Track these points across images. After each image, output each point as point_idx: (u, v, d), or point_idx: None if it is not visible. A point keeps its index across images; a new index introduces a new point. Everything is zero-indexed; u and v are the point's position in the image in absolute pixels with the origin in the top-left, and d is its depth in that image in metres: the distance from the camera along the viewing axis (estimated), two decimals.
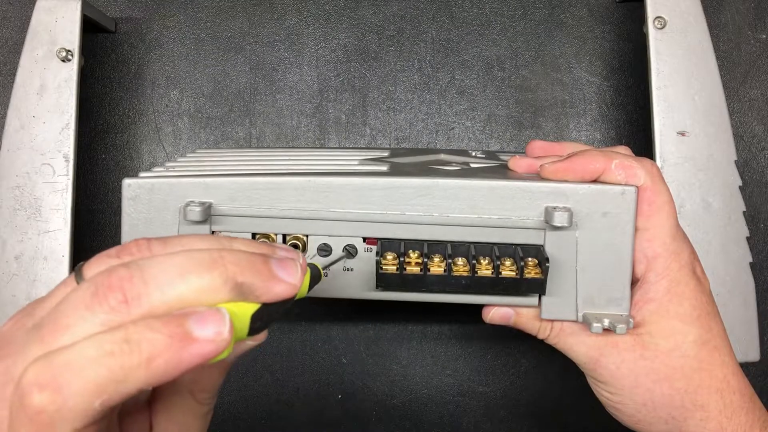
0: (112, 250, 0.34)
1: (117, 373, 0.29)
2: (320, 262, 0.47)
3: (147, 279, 0.31)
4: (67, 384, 0.29)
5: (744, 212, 0.66)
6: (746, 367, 0.71)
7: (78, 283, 0.33)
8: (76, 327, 0.30)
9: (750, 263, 0.67)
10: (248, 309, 0.34)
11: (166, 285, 0.31)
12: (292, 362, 0.74)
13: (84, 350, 0.29)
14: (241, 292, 0.33)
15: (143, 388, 0.30)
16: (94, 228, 0.75)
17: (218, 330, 0.31)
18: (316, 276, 0.41)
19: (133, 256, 0.34)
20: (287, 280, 0.34)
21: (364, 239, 0.48)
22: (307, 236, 0.48)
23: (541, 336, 0.50)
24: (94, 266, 0.34)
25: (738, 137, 0.74)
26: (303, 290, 0.39)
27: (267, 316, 0.35)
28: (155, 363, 0.30)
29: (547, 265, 0.45)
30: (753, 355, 0.67)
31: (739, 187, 0.66)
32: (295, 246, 0.48)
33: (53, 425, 0.29)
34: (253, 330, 0.34)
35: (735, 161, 0.66)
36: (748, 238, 0.66)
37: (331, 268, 0.49)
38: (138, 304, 0.31)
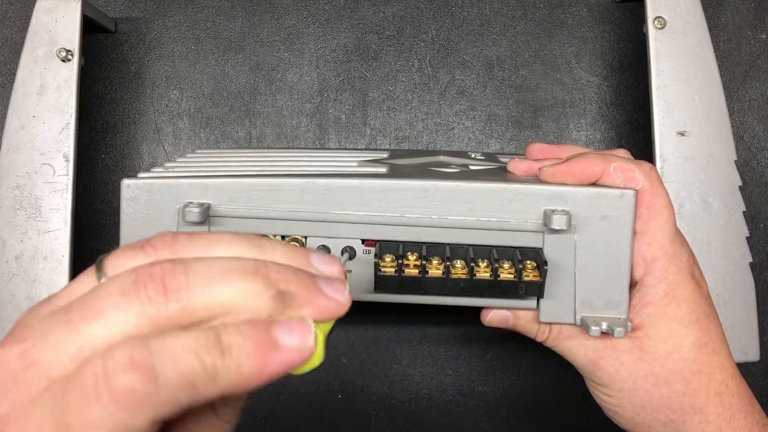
0: (137, 244, 0.34)
1: (210, 371, 0.29)
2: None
3: (189, 274, 0.31)
4: (162, 370, 0.28)
5: (744, 212, 0.66)
6: (746, 367, 0.72)
7: (98, 277, 0.32)
8: (108, 313, 0.29)
9: (750, 263, 0.66)
10: (325, 327, 0.34)
11: (208, 283, 0.31)
12: None
13: (181, 340, 0.29)
14: (283, 301, 0.32)
15: (227, 393, 0.30)
16: (94, 228, 0.75)
17: (303, 339, 0.31)
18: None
19: (157, 250, 0.33)
20: (334, 297, 0.33)
21: (363, 241, 0.48)
22: (305, 238, 0.48)
23: (539, 339, 0.50)
24: (116, 260, 0.33)
25: (738, 137, 0.74)
26: None
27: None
28: (243, 368, 0.30)
29: (545, 268, 0.45)
30: (753, 355, 0.67)
31: (739, 187, 0.66)
32: None
33: (137, 409, 0.28)
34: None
35: (735, 161, 0.66)
36: (748, 238, 0.66)
37: None
38: (177, 297, 0.30)
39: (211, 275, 0.31)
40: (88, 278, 0.33)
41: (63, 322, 0.30)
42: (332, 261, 0.36)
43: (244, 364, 0.30)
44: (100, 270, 0.33)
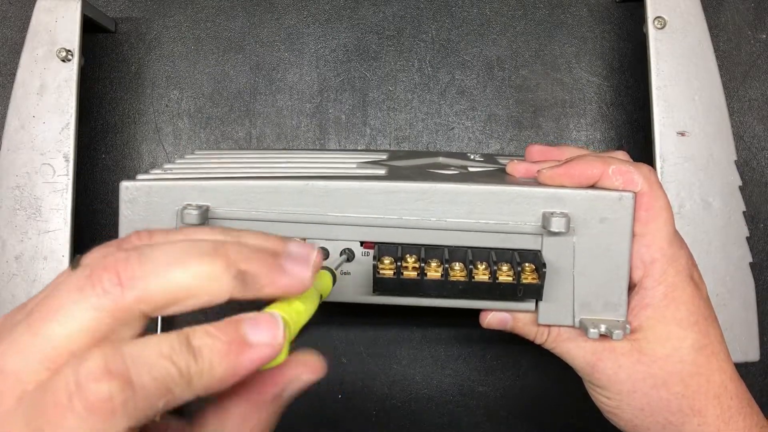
0: (113, 242, 0.34)
1: (185, 375, 0.29)
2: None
3: (144, 262, 0.30)
4: (138, 377, 0.28)
5: (744, 212, 0.66)
6: (746, 367, 0.72)
7: None
8: (65, 309, 0.29)
9: (750, 263, 0.66)
10: (300, 314, 0.35)
11: (163, 269, 0.30)
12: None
13: (154, 346, 0.29)
14: (244, 281, 0.32)
15: (202, 395, 0.30)
16: (94, 228, 0.75)
17: (273, 333, 0.31)
18: (333, 276, 0.42)
19: (134, 244, 0.33)
20: (295, 274, 0.33)
21: (362, 243, 0.48)
22: (304, 240, 0.48)
23: (538, 341, 0.50)
24: (91, 257, 0.33)
25: (738, 137, 0.74)
26: (326, 291, 0.40)
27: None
28: (216, 369, 0.30)
29: (544, 270, 0.45)
30: (753, 355, 0.67)
31: (739, 187, 0.66)
32: None
33: (112, 418, 0.27)
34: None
35: (735, 161, 0.66)
36: (748, 238, 0.66)
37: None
38: (132, 285, 0.30)
39: (166, 260, 0.31)
40: (63, 277, 0.33)
41: (25, 325, 0.30)
42: (310, 246, 0.35)
43: (217, 365, 0.30)
44: (76, 267, 0.32)
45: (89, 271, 0.30)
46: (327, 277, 0.41)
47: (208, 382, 0.30)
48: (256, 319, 0.32)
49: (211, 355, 0.30)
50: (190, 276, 0.31)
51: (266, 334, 0.31)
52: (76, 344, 0.29)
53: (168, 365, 0.29)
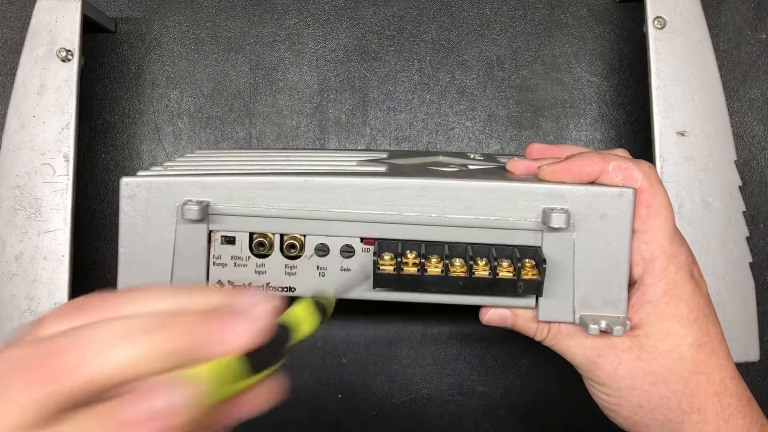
0: (66, 308, 0.33)
1: None
2: (339, 283, 0.47)
3: (83, 348, 0.29)
4: None
5: (744, 212, 0.66)
6: (746, 367, 0.72)
7: None
8: (13, 403, 0.28)
9: (750, 263, 0.66)
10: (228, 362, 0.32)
11: (101, 354, 0.29)
12: (292, 362, 0.74)
13: None
14: (178, 359, 0.31)
15: None
16: (94, 228, 0.75)
17: (168, 401, 0.29)
18: (321, 313, 0.37)
19: (88, 316, 0.32)
20: (240, 332, 0.32)
21: (362, 239, 0.48)
22: (304, 236, 0.48)
23: (538, 338, 0.50)
24: (46, 327, 0.32)
25: (738, 137, 0.74)
26: (304, 332, 0.36)
27: (259, 360, 0.33)
28: None
29: (544, 266, 0.45)
30: (753, 355, 0.67)
31: (739, 187, 0.66)
32: (293, 246, 0.48)
33: None
34: (255, 371, 0.33)
35: (735, 161, 0.66)
36: (748, 238, 0.66)
37: (328, 268, 0.49)
38: (71, 377, 0.29)
39: (104, 344, 0.30)
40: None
41: None
42: (261, 296, 0.34)
43: None
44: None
45: (24, 359, 0.30)
46: (302, 310, 0.36)
47: None
48: (136, 397, 0.30)
49: None
50: (126, 360, 0.30)
51: (162, 402, 0.29)
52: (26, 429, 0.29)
53: None
